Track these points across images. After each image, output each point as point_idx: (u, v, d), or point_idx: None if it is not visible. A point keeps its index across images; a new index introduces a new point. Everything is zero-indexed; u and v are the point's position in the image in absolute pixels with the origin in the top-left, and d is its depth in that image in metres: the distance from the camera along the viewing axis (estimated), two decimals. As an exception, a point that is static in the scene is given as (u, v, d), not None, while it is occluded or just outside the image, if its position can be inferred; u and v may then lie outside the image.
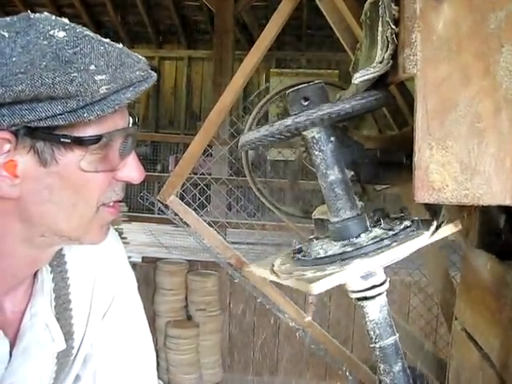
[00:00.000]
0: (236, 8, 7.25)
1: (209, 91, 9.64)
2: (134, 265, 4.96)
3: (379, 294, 0.96)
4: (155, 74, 0.91)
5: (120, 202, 0.98)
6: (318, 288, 0.87)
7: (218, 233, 2.21)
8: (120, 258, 1.20)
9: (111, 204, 0.95)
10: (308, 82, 0.95)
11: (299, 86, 0.95)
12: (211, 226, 2.28)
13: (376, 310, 0.97)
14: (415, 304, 4.43)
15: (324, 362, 4.95)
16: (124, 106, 0.91)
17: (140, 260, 5.41)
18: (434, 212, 0.97)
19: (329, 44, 9.17)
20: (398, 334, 0.98)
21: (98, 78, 0.81)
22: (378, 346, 0.98)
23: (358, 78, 0.89)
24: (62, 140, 0.85)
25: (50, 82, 0.78)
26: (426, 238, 0.89)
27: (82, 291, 1.11)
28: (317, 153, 0.97)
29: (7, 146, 0.84)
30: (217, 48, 7.20)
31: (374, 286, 0.96)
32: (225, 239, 2.38)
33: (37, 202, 0.88)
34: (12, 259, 0.94)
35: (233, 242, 5.00)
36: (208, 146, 5.44)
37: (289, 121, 0.91)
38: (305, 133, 0.96)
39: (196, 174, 5.17)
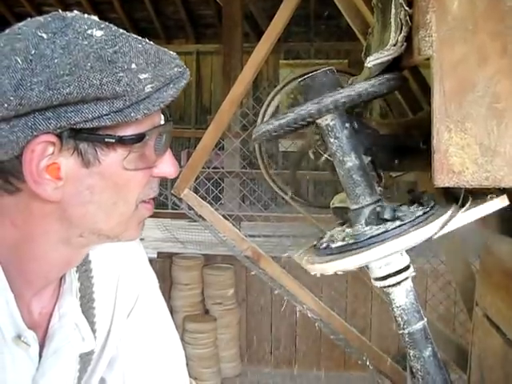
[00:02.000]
0: (243, 0, 7.21)
1: (218, 85, 9.63)
2: (149, 261, 4.94)
3: (404, 280, 0.95)
4: (188, 70, 0.90)
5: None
6: (335, 268, 0.88)
7: (234, 225, 2.20)
8: (141, 257, 1.19)
9: (148, 200, 0.94)
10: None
11: (310, 74, 0.93)
12: (226, 219, 2.27)
13: (402, 296, 0.96)
14: (434, 291, 4.41)
15: (342, 352, 4.96)
16: None
17: (155, 256, 5.42)
18: (454, 196, 0.96)
19: (338, 33, 9.13)
20: (426, 319, 0.97)
21: (142, 76, 0.81)
22: (406, 331, 0.97)
23: (372, 61, 0.87)
24: (106, 140, 0.84)
25: (98, 84, 0.78)
26: (446, 220, 0.88)
27: (105, 290, 1.10)
28: (332, 140, 0.96)
29: (51, 149, 0.83)
30: (225, 41, 7.18)
31: (398, 272, 0.95)
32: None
33: (78, 203, 0.87)
34: (45, 260, 0.93)
35: (247, 235, 4.98)
36: (220, 138, 5.46)
37: (302, 109, 0.90)
38: (319, 121, 0.95)
39: (209, 167, 5.17)
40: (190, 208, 2.03)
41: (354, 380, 4.74)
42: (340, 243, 0.96)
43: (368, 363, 1.89)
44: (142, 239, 1.20)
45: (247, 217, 5.81)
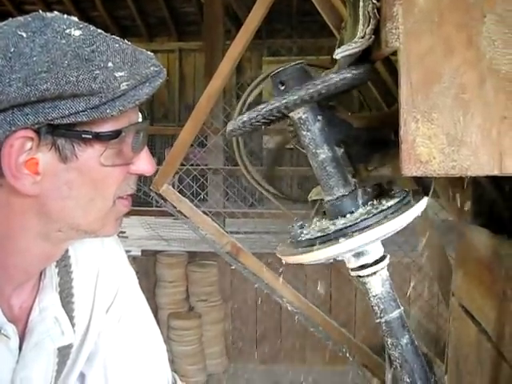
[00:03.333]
0: (225, -3, 7.21)
1: (201, 82, 9.61)
2: (133, 258, 4.97)
3: (380, 269, 0.97)
4: (165, 70, 0.93)
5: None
6: (311, 258, 0.89)
7: (216, 222, 2.21)
8: (120, 253, 1.21)
9: (125, 197, 0.97)
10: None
11: (279, 68, 0.95)
12: (209, 216, 2.27)
13: (378, 285, 0.97)
14: (414, 284, 4.44)
15: (327, 347, 4.98)
16: None
17: (139, 253, 5.42)
18: (424, 186, 0.97)
19: (320, 30, 9.14)
20: (402, 308, 0.98)
21: (117, 74, 0.84)
22: (383, 320, 0.98)
23: (340, 53, 0.88)
24: (83, 136, 0.87)
25: (75, 80, 0.80)
26: (416, 211, 0.90)
27: (85, 285, 1.12)
28: (305, 133, 0.97)
29: (29, 144, 0.85)
30: (207, 39, 7.17)
31: (373, 262, 0.96)
32: (223, 229, 2.38)
33: (56, 197, 0.89)
34: (26, 255, 0.95)
35: (232, 232, 5.01)
36: (203, 136, 5.47)
37: (271, 104, 0.91)
38: (291, 114, 0.96)
39: (192, 165, 5.18)
40: (168, 202, 2.04)
41: (339, 374, 4.77)
42: (313, 235, 0.97)
43: (348, 355, 1.91)
44: (125, 237, 1.22)
45: (231, 214, 5.82)
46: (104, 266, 1.15)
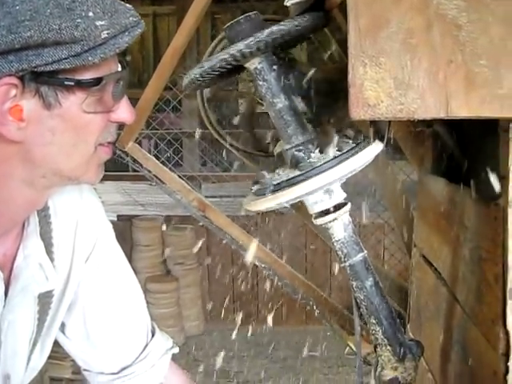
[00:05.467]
0: (198, -41, 7.08)
1: (176, 46, 9.49)
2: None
3: (342, 214, 0.99)
4: (143, 21, 0.95)
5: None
6: (274, 203, 0.93)
7: (193, 188, 2.21)
8: (98, 206, 1.23)
9: (106, 144, 1.01)
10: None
11: (233, 21, 0.96)
12: (184, 180, 2.27)
13: (341, 230, 1.00)
14: (386, 244, 4.50)
15: (304, 307, 5.04)
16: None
17: (115, 219, 5.42)
18: (378, 131, 1.00)
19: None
20: (366, 251, 1.01)
21: (98, 23, 0.86)
22: (347, 264, 1.01)
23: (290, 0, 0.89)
24: (65, 83, 0.90)
25: (57, 28, 0.83)
26: (369, 155, 0.92)
27: (64, 235, 1.14)
28: (261, 83, 0.98)
29: (13, 92, 0.88)
30: (179, 1, 7.07)
31: (335, 207, 0.98)
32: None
33: (40, 144, 0.93)
34: (10, 203, 0.98)
35: (207, 196, 5.01)
36: (176, 100, 5.44)
37: (226, 52, 0.93)
38: (247, 65, 0.97)
39: (167, 129, 5.16)
40: (136, 161, 2.04)
41: (316, 333, 4.83)
42: (275, 182, 0.99)
43: (316, 309, 1.94)
44: (101, 202, 1.24)
45: (206, 178, 5.83)
46: (83, 217, 1.18)
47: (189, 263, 5.16)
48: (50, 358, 4.01)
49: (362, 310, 1.06)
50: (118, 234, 1.26)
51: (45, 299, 1.12)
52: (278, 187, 0.96)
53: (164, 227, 5.22)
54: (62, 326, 1.22)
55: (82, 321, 1.21)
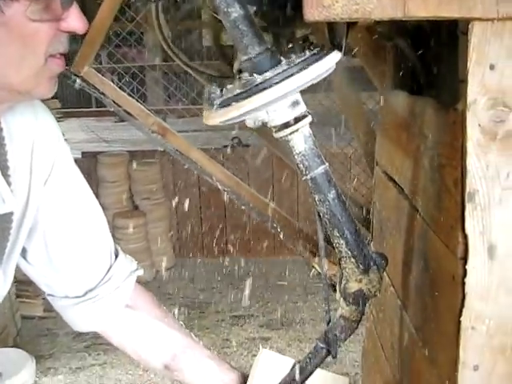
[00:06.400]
0: None
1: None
2: (74, 161, 4.88)
3: (302, 127, 0.98)
4: None
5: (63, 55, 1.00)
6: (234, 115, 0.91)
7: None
8: (54, 126, 1.20)
9: (58, 56, 0.97)
10: None
11: None
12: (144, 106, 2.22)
13: (301, 142, 0.98)
14: (356, 173, 4.51)
15: (272, 238, 5.09)
16: None
17: (80, 156, 5.35)
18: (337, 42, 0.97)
19: None
20: (327, 164, 1.00)
21: None
22: (309, 177, 1.00)
23: None
24: None
25: None
26: (327, 64, 0.91)
27: (20, 158, 1.11)
28: (214, -7, 0.95)
29: None
30: None
31: (295, 119, 0.97)
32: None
33: None
34: None
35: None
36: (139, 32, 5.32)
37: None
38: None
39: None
40: (93, 87, 1.98)
41: (283, 264, 4.91)
42: (233, 93, 0.97)
43: (279, 229, 1.95)
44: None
45: (171, 112, 5.76)
46: (38, 139, 1.14)
47: (156, 198, 5.15)
48: (20, 296, 4.02)
49: (324, 223, 1.06)
50: (83, 171, 1.24)
51: (4, 224, 1.09)
52: (237, 98, 0.94)
53: (130, 163, 5.16)
54: (24, 252, 1.20)
55: (44, 245, 1.19)
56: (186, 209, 5.26)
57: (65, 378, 3.59)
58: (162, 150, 4.71)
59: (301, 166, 1.01)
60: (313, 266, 2.03)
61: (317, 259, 2.04)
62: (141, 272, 1.32)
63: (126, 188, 5.17)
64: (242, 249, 5.21)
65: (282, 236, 2.05)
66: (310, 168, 1.00)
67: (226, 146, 5.14)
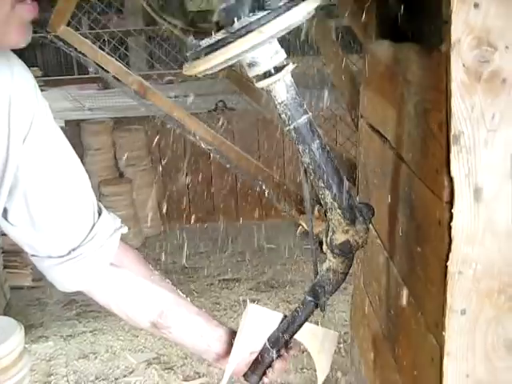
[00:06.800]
0: None
1: None
2: (57, 129, 4.82)
3: (283, 76, 0.96)
4: None
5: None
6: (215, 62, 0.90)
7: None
8: (32, 82, 1.15)
9: (28, 2, 0.94)
10: None
11: None
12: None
13: (283, 91, 0.97)
14: (345, 134, 4.47)
15: (258, 202, 5.09)
16: None
17: (63, 124, 5.28)
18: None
19: None
20: (311, 113, 0.99)
21: None
22: (292, 127, 0.99)
23: None
24: None
25: None
26: (305, 9, 0.89)
27: None
28: None
29: None
30: None
31: (276, 69, 0.95)
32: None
33: None
34: None
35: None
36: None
37: None
38: None
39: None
40: (69, 46, 1.94)
41: (271, 227, 4.91)
42: (212, 42, 0.95)
43: (264, 187, 1.94)
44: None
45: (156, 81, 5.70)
46: (16, 95, 1.10)
47: (141, 164, 5.11)
48: (8, 267, 3.98)
49: (309, 175, 1.05)
50: (67, 139, 1.20)
51: None
52: (219, 45, 0.92)
53: (114, 130, 5.11)
54: (5, 213, 1.16)
55: (25, 204, 1.16)
56: (173, 175, 5.22)
57: (55, 345, 3.59)
58: (146, 115, 4.72)
59: (283, 116, 0.99)
60: (299, 224, 2.02)
61: (303, 217, 2.04)
62: (125, 230, 1.30)
63: (111, 155, 5.13)
64: (230, 214, 5.21)
65: (267, 194, 2.03)
66: (292, 118, 0.99)
67: (210, 111, 5.11)
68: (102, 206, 1.27)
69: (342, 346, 3.33)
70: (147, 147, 5.14)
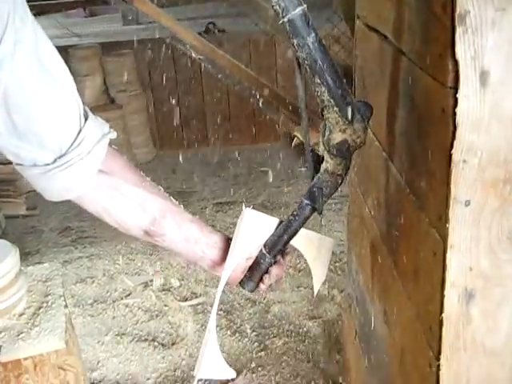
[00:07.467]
0: None
1: None
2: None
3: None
4: None
5: None
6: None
7: None
8: None
9: None
10: None
11: None
12: None
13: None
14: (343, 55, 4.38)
15: (252, 126, 5.03)
16: None
17: (52, 35, 5.16)
18: None
19: None
20: (305, 5, 0.94)
21: None
22: (286, 19, 0.94)
23: None
24: None
25: None
26: None
27: None
28: None
29: None
30: None
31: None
32: None
33: None
34: None
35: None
36: None
37: None
38: None
39: None
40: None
41: (265, 150, 4.87)
42: None
43: (258, 96, 1.89)
44: None
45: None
46: None
47: (132, 89, 5.01)
48: (2, 196, 3.93)
49: (305, 71, 1.00)
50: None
51: None
52: None
53: (102, 55, 4.99)
54: None
55: (5, 111, 1.08)
56: (164, 100, 5.13)
57: (51, 266, 3.59)
58: (135, 39, 4.59)
59: (277, 7, 0.94)
60: (294, 136, 1.98)
61: (298, 128, 1.99)
62: (114, 135, 1.24)
63: (100, 81, 5.02)
64: (223, 138, 5.15)
65: (261, 104, 1.98)
66: (286, 9, 0.94)
67: (201, 33, 4.98)
68: (88, 111, 1.20)
69: (337, 264, 3.35)
70: (137, 71, 5.03)
